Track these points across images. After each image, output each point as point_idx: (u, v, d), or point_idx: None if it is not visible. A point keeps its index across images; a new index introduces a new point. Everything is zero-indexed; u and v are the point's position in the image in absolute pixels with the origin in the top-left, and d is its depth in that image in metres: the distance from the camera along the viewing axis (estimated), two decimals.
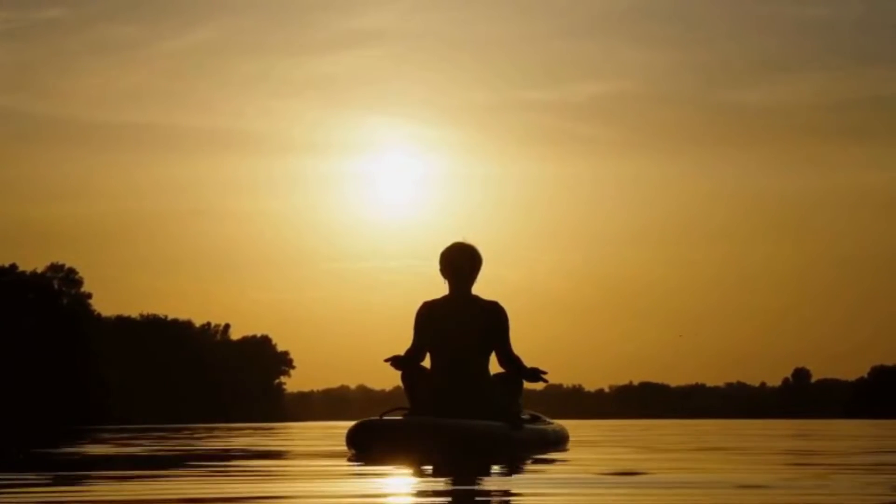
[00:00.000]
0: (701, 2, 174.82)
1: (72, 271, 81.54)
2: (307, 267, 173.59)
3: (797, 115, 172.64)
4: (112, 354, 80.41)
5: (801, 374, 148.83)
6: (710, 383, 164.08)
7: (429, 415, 8.24)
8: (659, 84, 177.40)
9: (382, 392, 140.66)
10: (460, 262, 8.68)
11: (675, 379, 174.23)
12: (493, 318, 8.61)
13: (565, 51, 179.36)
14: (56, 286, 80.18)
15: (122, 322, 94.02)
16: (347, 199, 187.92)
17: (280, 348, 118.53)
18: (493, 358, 8.66)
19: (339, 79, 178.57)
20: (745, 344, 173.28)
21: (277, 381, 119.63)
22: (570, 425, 11.55)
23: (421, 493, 4.77)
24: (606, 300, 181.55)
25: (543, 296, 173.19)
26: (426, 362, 8.65)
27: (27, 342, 71.23)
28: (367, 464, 6.69)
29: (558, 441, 9.32)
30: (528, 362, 8.67)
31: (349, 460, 7.16)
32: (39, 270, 79.92)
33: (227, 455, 8.39)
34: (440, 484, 5.20)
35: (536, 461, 6.99)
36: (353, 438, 7.95)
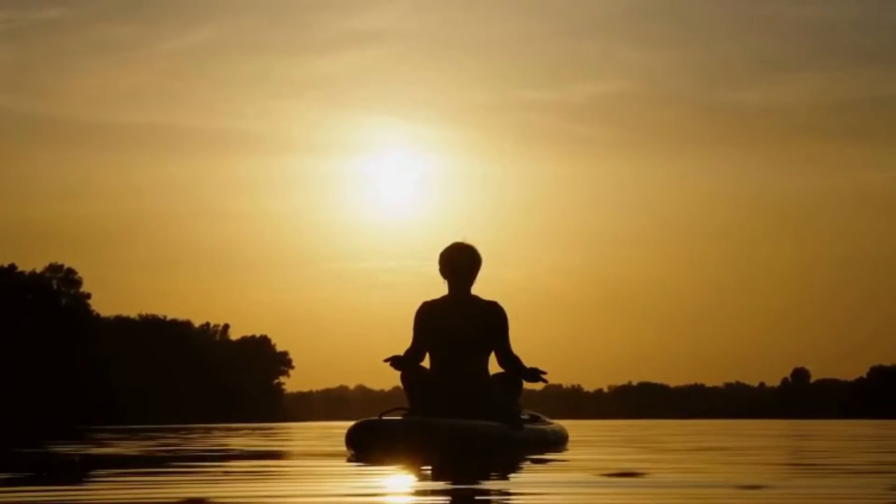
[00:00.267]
0: (700, 2, 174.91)
1: (71, 271, 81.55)
2: (306, 267, 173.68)
3: (797, 115, 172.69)
4: (111, 355, 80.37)
5: (800, 375, 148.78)
6: (709, 383, 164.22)
7: (428, 415, 8.23)
8: (658, 84, 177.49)
9: (382, 392, 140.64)
10: (460, 262, 8.68)
11: (675, 379, 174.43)
12: (492, 319, 8.61)
13: (565, 51, 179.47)
14: (55, 286, 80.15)
15: (121, 322, 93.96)
16: (347, 200, 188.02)
17: (279, 348, 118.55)
18: (492, 358, 8.66)
19: (339, 79, 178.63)
20: (744, 344, 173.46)
21: (276, 381, 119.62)
22: (569, 425, 11.54)
23: (420, 494, 4.77)
24: (606, 300, 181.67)
25: (543, 296, 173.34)
26: (426, 362, 8.66)
27: (26, 342, 71.21)
28: (366, 464, 6.69)
29: (558, 441, 9.32)
30: (528, 362, 8.67)
31: (348, 460, 7.16)
32: (38, 270, 79.92)
33: (225, 455, 8.38)
34: (440, 484, 5.20)
35: (536, 461, 6.98)
36: (352, 439, 7.95)
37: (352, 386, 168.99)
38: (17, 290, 74.60)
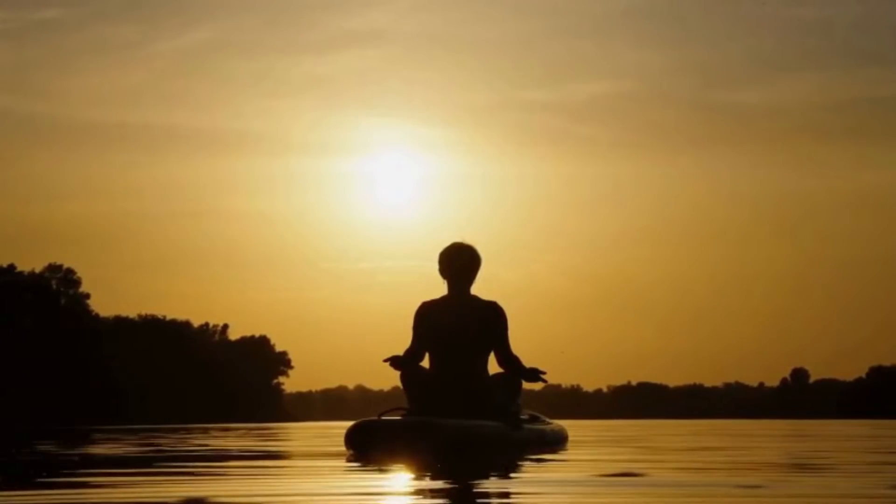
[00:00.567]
0: (699, 2, 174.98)
1: (70, 271, 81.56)
2: (306, 267, 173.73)
3: (795, 115, 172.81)
4: (110, 355, 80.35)
5: (799, 375, 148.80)
6: (708, 383, 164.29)
7: (428, 415, 8.23)
8: (657, 84, 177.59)
9: (381, 392, 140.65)
10: (459, 262, 8.68)
11: (674, 379, 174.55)
12: (491, 318, 8.61)
13: (564, 51, 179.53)
14: (54, 286, 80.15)
15: (120, 322, 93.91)
16: (346, 200, 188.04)
17: (278, 348, 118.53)
18: (492, 358, 8.66)
19: (338, 79, 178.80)
20: (743, 344, 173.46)
21: (276, 381, 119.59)
22: (568, 425, 11.54)
23: (420, 494, 4.77)
24: (605, 300, 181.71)
25: (542, 296, 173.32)
26: (425, 362, 8.65)
27: (25, 342, 71.20)
28: (365, 464, 6.69)
29: (557, 441, 9.32)
30: (527, 362, 8.67)
31: (348, 460, 7.16)
32: (38, 270, 79.93)
33: (224, 455, 8.38)
34: (439, 484, 5.20)
35: (535, 461, 6.98)
36: (351, 438, 7.95)
37: (351, 386, 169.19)
38: (17, 290, 74.59)
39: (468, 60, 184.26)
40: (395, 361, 8.48)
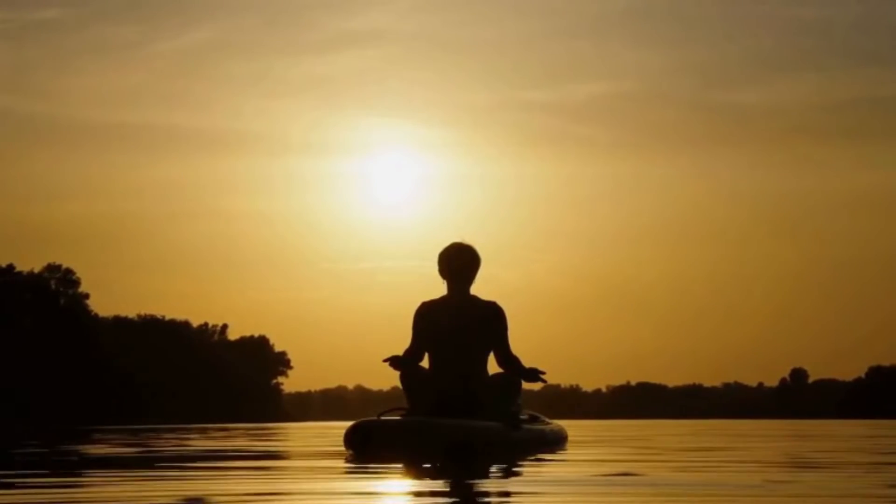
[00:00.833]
0: (698, 2, 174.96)
1: (69, 271, 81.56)
2: (305, 267, 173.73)
3: (794, 115, 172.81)
4: (109, 355, 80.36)
5: (798, 375, 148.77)
6: (707, 383, 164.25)
7: (427, 415, 8.23)
8: (656, 84, 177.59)
9: (380, 392, 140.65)
10: (459, 262, 8.68)
11: (673, 379, 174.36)
12: (491, 319, 8.61)
13: (563, 51, 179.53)
14: (53, 286, 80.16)
15: (119, 322, 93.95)
16: (345, 200, 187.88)
17: (278, 348, 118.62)
18: (491, 358, 8.66)
19: (337, 79, 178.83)
20: (742, 344, 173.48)
21: (275, 381, 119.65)
22: (567, 425, 11.55)
23: (419, 494, 4.77)
24: (604, 300, 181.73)
25: (541, 296, 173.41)
26: (425, 362, 8.66)
27: (24, 342, 71.20)
28: (364, 464, 6.69)
29: (557, 441, 9.32)
30: (526, 362, 8.67)
31: (347, 460, 7.16)
32: (37, 270, 79.94)
33: (224, 455, 8.38)
34: (439, 484, 5.20)
35: (535, 461, 6.99)
36: (350, 439, 7.95)
37: (350, 386, 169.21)
38: (16, 290, 74.60)
39: (468, 61, 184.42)
40: (394, 361, 8.48)
